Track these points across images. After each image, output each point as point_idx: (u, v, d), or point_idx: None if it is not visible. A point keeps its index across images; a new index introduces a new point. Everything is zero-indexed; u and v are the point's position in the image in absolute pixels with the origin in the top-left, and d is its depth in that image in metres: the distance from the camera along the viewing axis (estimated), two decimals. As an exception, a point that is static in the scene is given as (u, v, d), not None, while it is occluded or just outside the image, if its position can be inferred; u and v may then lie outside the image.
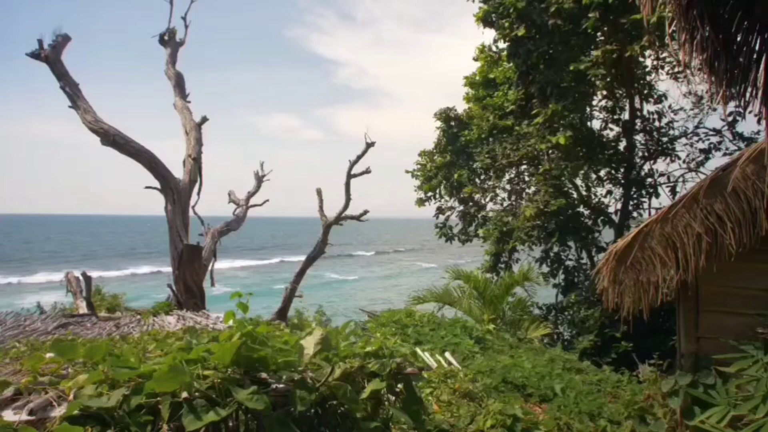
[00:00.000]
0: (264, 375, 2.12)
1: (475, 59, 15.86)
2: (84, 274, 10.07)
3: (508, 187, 16.49)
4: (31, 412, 1.73)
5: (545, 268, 14.47)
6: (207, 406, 1.86)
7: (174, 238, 10.76)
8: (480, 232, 15.77)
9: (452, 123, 16.37)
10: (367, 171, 15.11)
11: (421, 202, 16.96)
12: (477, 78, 15.82)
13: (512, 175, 16.28)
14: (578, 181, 15.15)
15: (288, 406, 2.07)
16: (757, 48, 3.00)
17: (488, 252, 15.11)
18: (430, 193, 16.83)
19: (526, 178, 16.15)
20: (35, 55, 10.11)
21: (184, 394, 1.85)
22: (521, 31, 12.60)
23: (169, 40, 13.09)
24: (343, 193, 14.88)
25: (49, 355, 2.31)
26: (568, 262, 14.76)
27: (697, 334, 4.80)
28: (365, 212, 15.29)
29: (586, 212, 14.80)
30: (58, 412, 1.75)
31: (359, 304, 23.27)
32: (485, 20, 13.66)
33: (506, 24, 13.12)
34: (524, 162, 14.50)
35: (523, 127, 13.17)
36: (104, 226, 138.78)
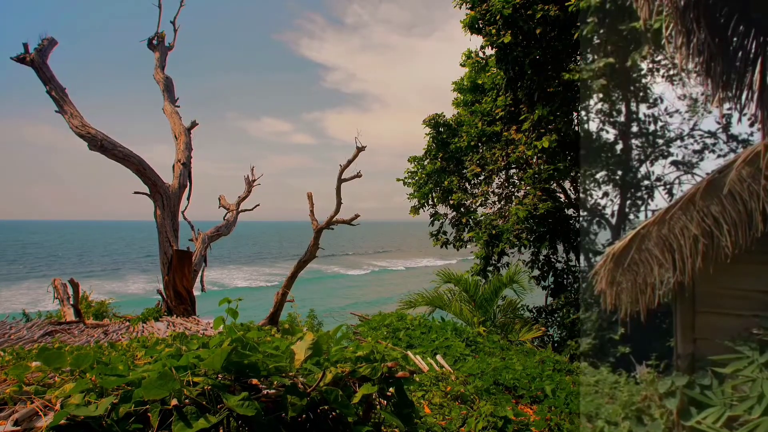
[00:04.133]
0: (255, 381, 2.09)
1: (462, 65, 15.83)
2: (71, 281, 9.91)
3: (498, 191, 16.49)
4: (16, 423, 1.69)
5: (535, 271, 14.46)
6: (197, 413, 1.83)
7: (164, 243, 10.69)
8: (470, 235, 15.72)
9: (441, 129, 16.32)
10: (358, 175, 15.10)
11: (414, 210, 16.88)
12: (465, 83, 15.78)
13: (502, 180, 16.28)
14: (567, 185, 15.15)
15: (279, 411, 2.04)
16: (752, 51, 3.00)
17: (478, 255, 15.09)
18: (423, 201, 16.80)
19: (516, 182, 16.16)
20: (21, 59, 9.97)
21: (174, 401, 1.82)
22: (507, 38, 12.57)
23: (158, 45, 13.04)
24: (335, 196, 14.91)
25: (35, 363, 2.27)
26: (558, 265, 14.78)
27: (694, 335, 4.81)
28: (356, 216, 15.28)
29: (575, 215, 14.83)
30: (45, 422, 1.71)
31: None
32: (472, 26, 13.59)
33: (493, 30, 13.03)
34: (513, 166, 14.49)
35: (512, 133, 13.17)
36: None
